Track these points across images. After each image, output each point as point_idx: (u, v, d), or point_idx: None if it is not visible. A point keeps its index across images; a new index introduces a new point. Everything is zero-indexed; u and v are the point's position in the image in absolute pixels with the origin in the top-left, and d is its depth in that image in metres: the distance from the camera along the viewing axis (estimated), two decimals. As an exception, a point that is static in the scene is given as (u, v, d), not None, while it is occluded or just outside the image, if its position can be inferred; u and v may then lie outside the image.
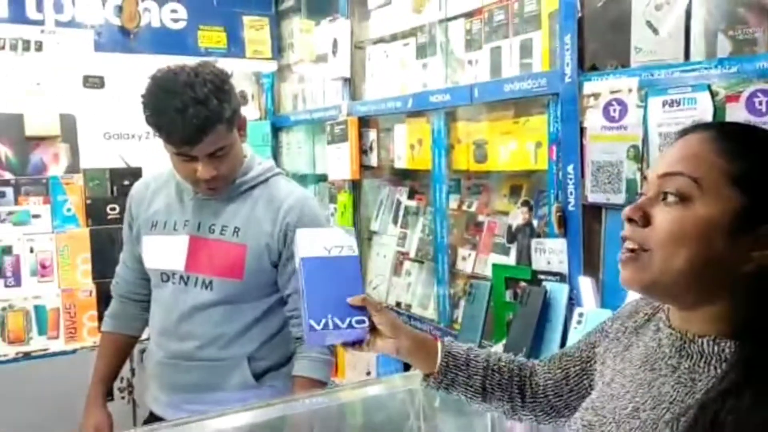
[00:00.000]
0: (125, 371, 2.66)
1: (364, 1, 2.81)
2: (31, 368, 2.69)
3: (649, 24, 1.64)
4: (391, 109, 2.61)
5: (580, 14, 1.80)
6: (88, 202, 2.96)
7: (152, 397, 1.87)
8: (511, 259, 2.17)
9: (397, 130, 2.66)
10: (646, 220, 0.85)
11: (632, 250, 0.86)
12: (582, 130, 1.80)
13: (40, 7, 2.86)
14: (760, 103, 1.42)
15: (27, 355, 2.71)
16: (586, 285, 1.80)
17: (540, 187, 2.08)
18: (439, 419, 1.79)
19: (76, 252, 2.87)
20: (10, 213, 2.81)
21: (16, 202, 2.86)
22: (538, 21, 2.01)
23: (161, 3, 3.14)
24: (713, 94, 1.49)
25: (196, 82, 1.56)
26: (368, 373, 2.73)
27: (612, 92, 1.71)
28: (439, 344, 1.17)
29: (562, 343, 1.80)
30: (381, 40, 2.78)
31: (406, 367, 1.93)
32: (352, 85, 2.91)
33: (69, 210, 2.91)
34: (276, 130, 3.60)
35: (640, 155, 1.66)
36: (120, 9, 3.03)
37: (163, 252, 1.77)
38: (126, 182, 2.93)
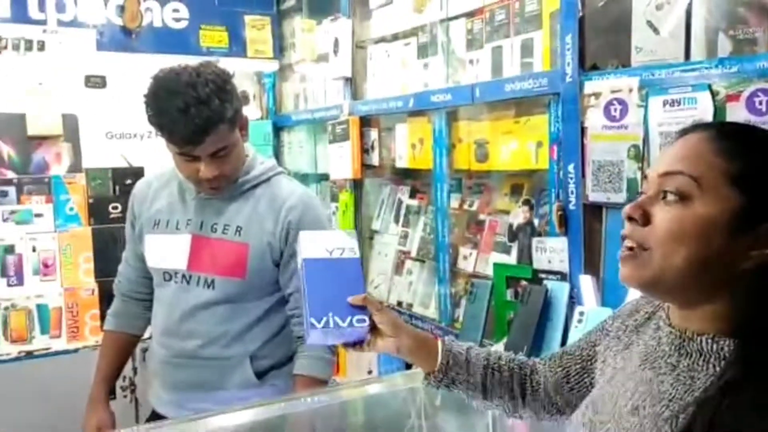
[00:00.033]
0: (127, 370, 2.66)
1: (365, 1, 2.82)
2: (33, 367, 2.69)
3: (650, 24, 1.65)
4: (392, 109, 2.62)
5: (581, 14, 1.80)
6: (91, 201, 2.96)
7: (155, 395, 1.87)
8: (512, 258, 2.18)
9: (398, 129, 2.67)
10: (646, 219, 0.85)
11: (631, 248, 0.87)
12: (583, 129, 1.81)
13: (42, 6, 2.86)
14: (761, 103, 1.42)
15: (29, 354, 2.71)
16: (586, 284, 1.80)
17: (541, 186, 2.08)
18: (440, 418, 1.80)
19: (78, 251, 2.88)
20: (12, 212, 2.81)
21: (19, 202, 2.86)
22: (539, 21, 2.01)
23: (163, 3, 3.15)
24: (714, 94, 1.50)
25: (198, 82, 1.57)
26: (370, 372, 2.73)
27: (613, 92, 1.71)
28: (440, 343, 1.18)
29: (563, 342, 1.80)
30: (382, 40, 2.78)
31: (408, 366, 1.93)
32: (353, 84, 2.92)
33: (71, 209, 2.92)
34: (277, 129, 3.60)
35: (640, 155, 1.66)
36: (122, 9, 3.03)
37: (166, 251, 1.78)
38: (128, 181, 2.93)
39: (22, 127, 2.95)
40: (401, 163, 2.67)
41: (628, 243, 0.87)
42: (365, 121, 2.84)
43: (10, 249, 2.78)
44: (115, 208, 2.96)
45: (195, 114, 1.55)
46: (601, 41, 1.78)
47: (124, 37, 3.06)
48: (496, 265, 2.17)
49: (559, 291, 1.86)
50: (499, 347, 1.86)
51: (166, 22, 3.16)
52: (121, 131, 3.18)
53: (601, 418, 0.92)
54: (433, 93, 2.38)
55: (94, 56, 2.99)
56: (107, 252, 2.86)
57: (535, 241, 1.99)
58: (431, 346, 1.17)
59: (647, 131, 1.64)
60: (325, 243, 1.20)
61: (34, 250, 2.81)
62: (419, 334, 1.20)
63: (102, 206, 2.97)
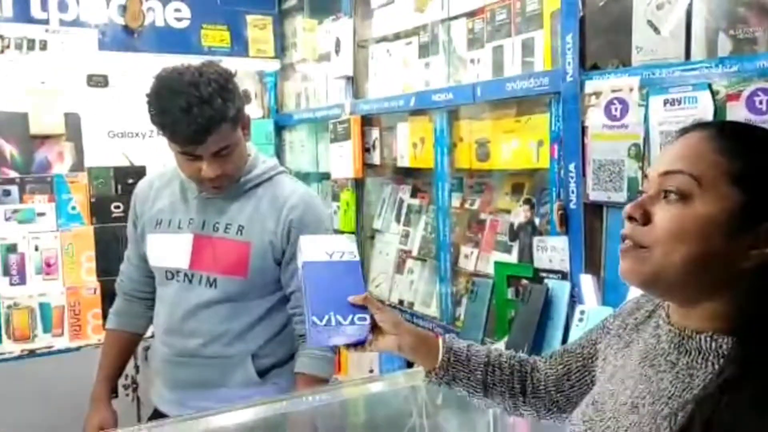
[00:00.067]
0: (130, 368, 2.67)
1: (367, 0, 2.82)
2: (35, 365, 2.70)
3: (650, 23, 1.65)
4: (393, 108, 2.62)
5: (581, 13, 1.81)
6: (93, 200, 2.96)
7: (157, 394, 1.88)
8: (513, 257, 2.18)
9: (399, 128, 2.67)
10: (646, 218, 0.86)
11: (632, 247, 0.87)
12: (583, 128, 1.81)
13: (44, 6, 2.87)
14: (761, 102, 1.43)
15: (32, 353, 2.72)
16: (587, 283, 1.81)
17: (542, 185, 2.09)
18: (442, 416, 1.80)
19: (80, 250, 2.88)
20: (15, 211, 2.82)
21: (21, 201, 2.87)
22: (540, 20, 2.01)
23: (165, 2, 3.16)
24: (714, 93, 1.50)
25: (201, 81, 1.57)
26: (371, 371, 2.74)
27: (613, 91, 1.72)
28: (440, 340, 1.19)
29: (564, 341, 1.80)
30: (384, 39, 2.79)
31: (409, 365, 1.94)
32: (354, 83, 2.92)
33: (74, 208, 2.92)
34: (279, 128, 3.61)
35: (641, 154, 1.67)
36: (124, 8, 3.04)
37: (168, 250, 1.78)
38: (130, 181, 2.94)
39: (25, 127, 2.95)
40: (402, 163, 2.68)
41: (628, 242, 0.88)
42: (366, 120, 2.85)
43: (12, 248, 2.79)
44: (117, 207, 2.97)
45: (197, 113, 1.55)
46: (601, 41, 1.78)
47: (126, 37, 3.06)
48: (497, 264, 2.17)
49: (560, 290, 1.87)
50: (500, 346, 1.87)
51: (167, 22, 3.17)
52: (123, 130, 3.18)
53: (601, 416, 0.93)
54: (435, 92, 2.38)
55: (96, 56, 3.00)
56: (109, 251, 2.86)
57: (536, 240, 2.00)
58: (432, 344, 1.18)
59: (648, 130, 1.64)
60: (325, 247, 1.23)
61: (36, 249, 2.81)
62: (420, 332, 1.21)
63: (104, 205, 2.97)
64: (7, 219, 2.80)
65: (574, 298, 1.84)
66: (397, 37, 2.71)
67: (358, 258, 1.23)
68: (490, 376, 1.17)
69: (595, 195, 1.79)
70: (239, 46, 3.34)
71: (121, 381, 2.60)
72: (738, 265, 0.82)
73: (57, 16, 2.90)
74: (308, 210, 1.76)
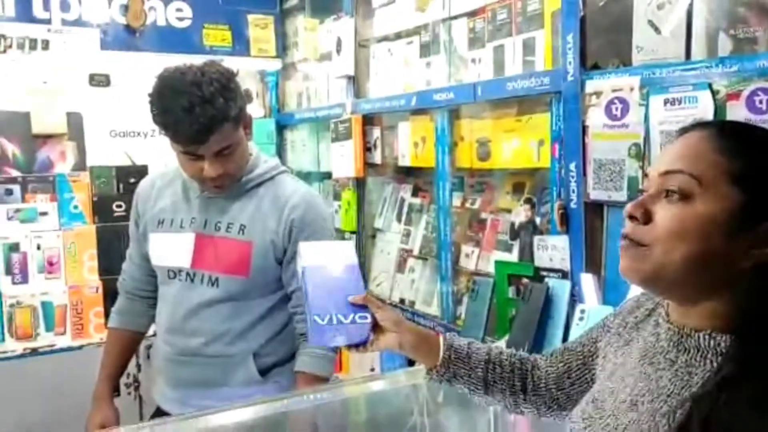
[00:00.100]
0: (131, 367, 2.67)
1: (368, 0, 2.83)
2: (38, 364, 2.70)
3: (651, 23, 1.65)
4: (395, 107, 2.63)
5: (582, 13, 1.81)
6: (95, 199, 2.97)
7: (159, 392, 1.88)
8: (513, 256, 2.18)
9: (400, 128, 2.68)
10: (647, 217, 0.86)
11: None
12: (584, 128, 1.82)
13: (46, 6, 2.88)
14: (761, 102, 1.43)
15: (34, 351, 2.73)
16: (587, 282, 1.81)
17: (543, 184, 2.09)
18: (443, 414, 1.81)
19: (82, 249, 2.89)
20: (17, 210, 2.82)
21: (24, 200, 2.87)
22: (541, 20, 2.02)
23: (166, 2, 3.16)
24: (714, 93, 1.51)
25: (203, 81, 1.58)
26: (372, 369, 2.75)
27: (614, 91, 1.72)
28: (441, 338, 1.19)
29: (564, 339, 1.81)
30: (385, 39, 2.79)
31: (410, 363, 1.94)
32: (356, 83, 2.93)
33: (76, 207, 2.93)
34: (280, 128, 3.61)
35: (641, 153, 1.67)
36: (126, 8, 3.05)
37: (170, 249, 1.79)
38: (132, 180, 2.94)
39: (27, 126, 2.96)
40: (404, 162, 2.68)
41: (628, 241, 0.88)
42: (368, 120, 2.85)
43: (15, 247, 2.79)
44: (119, 206, 2.97)
45: (199, 113, 1.55)
46: (602, 40, 1.79)
47: (128, 36, 3.07)
48: (497, 263, 2.18)
49: (561, 289, 1.87)
50: (501, 344, 1.87)
51: (169, 21, 3.17)
52: (125, 130, 3.19)
53: (601, 413, 0.93)
54: (436, 91, 2.39)
55: (98, 55, 3.00)
56: (111, 250, 2.86)
57: (536, 239, 2.00)
58: (433, 342, 1.19)
59: (648, 130, 1.65)
60: (324, 251, 1.26)
61: (38, 248, 2.82)
62: (421, 330, 1.22)
63: (106, 204, 2.97)
64: (9, 218, 2.80)
65: (575, 297, 1.85)
66: (398, 36, 2.71)
67: (356, 261, 1.26)
68: (491, 373, 1.17)
69: (595, 194, 1.80)
70: (241, 45, 3.35)
71: (123, 380, 2.61)
72: (738, 264, 0.82)
73: (59, 15, 2.91)
74: (310, 209, 1.77)
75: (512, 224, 2.21)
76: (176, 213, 1.80)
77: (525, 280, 2.02)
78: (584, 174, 1.82)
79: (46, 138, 3.01)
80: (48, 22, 2.89)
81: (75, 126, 3.05)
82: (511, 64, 2.14)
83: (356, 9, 2.89)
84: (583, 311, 1.79)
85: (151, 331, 2.01)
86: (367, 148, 2.86)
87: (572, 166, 1.84)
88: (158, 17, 3.14)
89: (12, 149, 2.95)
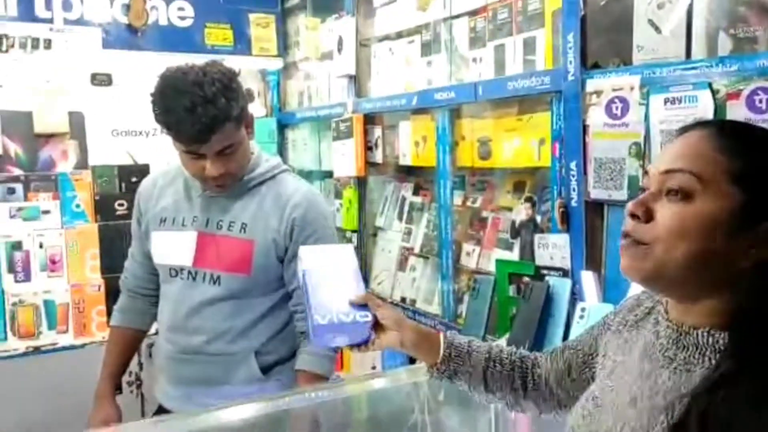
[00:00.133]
0: (133, 365, 2.68)
1: (369, -1, 2.84)
2: (40, 362, 2.71)
3: (651, 22, 1.66)
4: (396, 106, 2.63)
5: (582, 12, 1.81)
6: (97, 198, 2.98)
7: (161, 390, 1.89)
8: (514, 255, 2.19)
9: (402, 127, 2.68)
10: (648, 216, 0.87)
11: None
12: (585, 127, 1.82)
13: (48, 5, 2.88)
14: (761, 101, 1.44)
15: (37, 350, 2.73)
16: (588, 280, 1.82)
17: (543, 183, 2.10)
18: (444, 412, 1.81)
19: (84, 247, 2.90)
20: (20, 209, 2.83)
21: (26, 198, 2.88)
22: (542, 19, 2.02)
23: (168, 1, 3.16)
24: (714, 92, 1.51)
25: (205, 81, 1.58)
26: (373, 368, 2.75)
27: (614, 90, 1.73)
28: (442, 336, 1.20)
29: (565, 338, 1.81)
30: (386, 38, 2.80)
31: (412, 361, 1.95)
32: (357, 82, 2.93)
33: (78, 206, 2.93)
34: (282, 127, 3.62)
35: (641, 152, 1.68)
36: (127, 7, 3.05)
37: (172, 248, 1.80)
38: (134, 179, 2.95)
39: (29, 125, 2.96)
40: (405, 161, 2.69)
41: (628, 239, 0.88)
42: (369, 119, 2.86)
43: (17, 245, 2.80)
44: (121, 204, 2.98)
45: (202, 113, 1.56)
46: (602, 40, 1.79)
47: (130, 36, 3.07)
48: (498, 261, 2.18)
49: (561, 287, 1.88)
50: (501, 343, 1.88)
51: (171, 21, 3.17)
52: (127, 129, 3.19)
53: (601, 410, 0.94)
54: (437, 91, 2.39)
55: (100, 54, 3.01)
56: (113, 248, 2.87)
57: (537, 237, 2.01)
58: (434, 340, 1.19)
59: (648, 129, 1.65)
60: (324, 254, 1.28)
61: (41, 246, 2.82)
62: (422, 328, 1.22)
63: (108, 203, 2.98)
64: (12, 217, 2.81)
65: (575, 296, 1.85)
66: (399, 35, 2.72)
67: (356, 263, 1.27)
68: (491, 370, 1.18)
69: (596, 193, 1.80)
70: (242, 44, 3.35)
71: (126, 378, 2.61)
72: (737, 263, 0.83)
73: (61, 15, 2.91)
74: (311, 208, 1.78)
75: (513, 223, 2.22)
76: (178, 212, 1.80)
77: (526, 279, 2.02)
78: (585, 173, 1.82)
79: (49, 137, 3.02)
80: (50, 21, 2.89)
81: (77, 125, 3.06)
82: (512, 64, 2.14)
83: (357, 8, 2.90)
84: (583, 309, 1.79)
85: (153, 330, 2.02)
86: (369, 147, 2.87)
87: (573, 165, 1.85)
88: (160, 16, 3.14)
89: (14, 148, 2.96)
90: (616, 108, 1.72)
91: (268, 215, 1.75)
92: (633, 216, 0.88)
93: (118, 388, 1.99)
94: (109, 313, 2.55)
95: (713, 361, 0.83)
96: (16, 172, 2.94)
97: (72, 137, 3.06)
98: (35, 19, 2.86)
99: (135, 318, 1.96)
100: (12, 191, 2.87)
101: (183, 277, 1.79)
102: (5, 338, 2.73)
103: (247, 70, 3.37)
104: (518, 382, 1.18)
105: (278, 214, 1.75)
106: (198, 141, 1.60)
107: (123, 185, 3.02)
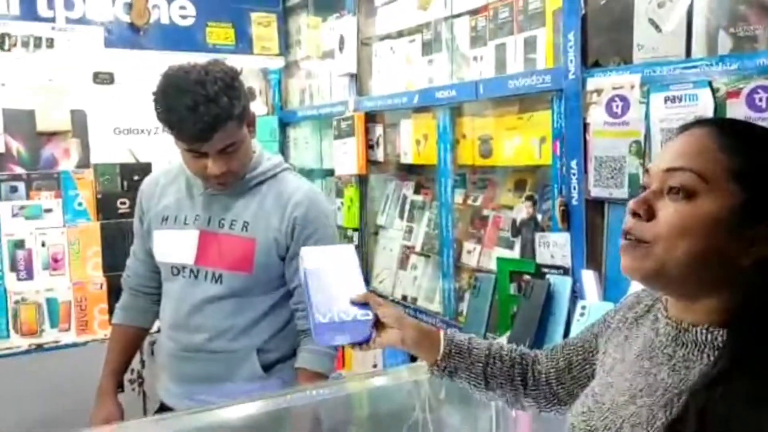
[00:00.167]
0: (135, 363, 2.68)
1: (370, -2, 2.84)
2: (43, 360, 2.72)
3: (652, 21, 1.66)
4: (397, 105, 2.64)
5: (583, 11, 1.82)
6: (99, 196, 2.98)
7: (163, 388, 1.90)
8: (515, 253, 2.19)
9: (403, 125, 2.69)
10: (650, 214, 0.87)
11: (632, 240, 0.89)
12: (585, 125, 1.82)
13: (51, 4, 2.89)
14: (761, 100, 1.44)
15: (39, 347, 2.74)
16: (588, 278, 1.82)
17: (544, 181, 2.10)
18: (444, 410, 1.82)
19: (87, 246, 2.90)
20: (22, 207, 2.84)
21: (28, 197, 2.88)
22: (543, 18, 2.03)
23: (170, 0, 3.17)
24: (714, 91, 1.51)
25: (207, 80, 1.59)
26: (374, 366, 2.76)
27: (615, 88, 1.73)
28: (442, 333, 1.21)
29: (565, 336, 1.82)
30: (387, 37, 2.80)
31: (413, 360, 1.95)
32: (358, 80, 2.93)
33: (80, 204, 2.94)
34: (283, 125, 3.62)
35: (642, 151, 1.68)
36: (129, 6, 3.05)
37: (174, 246, 1.80)
38: (136, 177, 2.96)
39: (32, 124, 2.97)
40: (406, 159, 2.69)
41: (629, 238, 0.89)
42: (370, 117, 2.86)
43: (20, 244, 2.81)
44: (123, 203, 2.99)
45: (204, 112, 1.57)
46: (603, 38, 1.79)
47: (132, 34, 3.07)
48: (499, 259, 2.19)
49: (562, 285, 1.88)
50: (502, 341, 1.88)
51: (173, 19, 3.18)
52: (129, 127, 3.20)
53: (600, 407, 0.94)
54: (438, 89, 2.40)
55: (102, 53, 3.01)
56: (115, 247, 2.88)
57: (538, 236, 2.01)
58: (434, 337, 1.20)
59: (648, 127, 1.65)
60: (325, 254, 1.29)
61: (43, 245, 2.83)
62: (423, 326, 1.23)
63: (110, 201, 2.99)
64: (14, 215, 2.82)
65: (576, 294, 1.85)
66: (400, 34, 2.72)
67: (357, 262, 1.28)
68: (491, 367, 1.18)
69: (596, 191, 1.80)
70: (244, 43, 3.35)
71: (127, 375, 2.61)
72: (738, 261, 0.83)
73: (63, 14, 2.91)
74: (312, 207, 1.78)
75: (514, 221, 2.22)
76: (180, 210, 1.81)
77: (526, 277, 2.03)
78: (585, 171, 1.83)
79: (51, 135, 3.02)
80: (52, 20, 2.89)
81: (79, 123, 3.06)
82: (513, 62, 2.15)
83: (359, 7, 2.90)
84: (583, 307, 1.80)
85: (155, 327, 2.02)
86: (370, 146, 2.87)
87: (573, 164, 1.85)
88: (162, 15, 3.15)
89: (17, 146, 2.97)
90: (617, 106, 1.73)
91: (269, 214, 1.76)
92: (634, 214, 0.88)
93: (120, 386, 1.99)
94: (111, 311, 2.56)
95: (712, 359, 0.84)
96: (19, 170, 2.95)
97: (74, 136, 3.06)
98: (37, 18, 2.87)
99: (137, 316, 1.96)
100: (14, 190, 2.88)
101: (185, 276, 1.79)
102: (8, 336, 2.74)
103: (249, 68, 3.37)
104: (518, 380, 1.18)
105: (280, 212, 1.76)
106: (200, 140, 1.61)
107: (125, 184, 3.03)
